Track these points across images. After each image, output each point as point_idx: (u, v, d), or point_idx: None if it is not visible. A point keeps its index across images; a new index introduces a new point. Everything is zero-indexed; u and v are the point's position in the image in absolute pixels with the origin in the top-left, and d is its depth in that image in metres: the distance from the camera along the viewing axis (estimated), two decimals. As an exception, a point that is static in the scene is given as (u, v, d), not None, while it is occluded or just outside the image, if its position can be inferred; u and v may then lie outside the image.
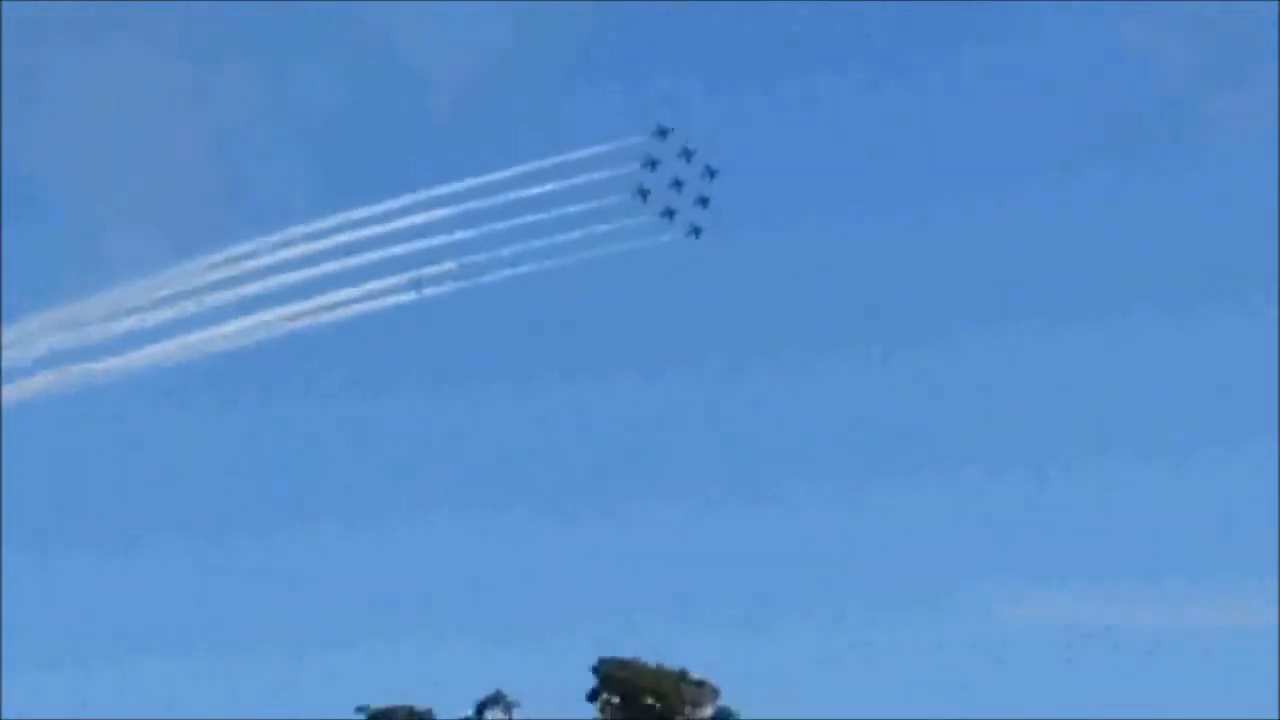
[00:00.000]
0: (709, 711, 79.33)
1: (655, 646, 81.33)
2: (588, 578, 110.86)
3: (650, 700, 78.80)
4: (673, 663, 79.87)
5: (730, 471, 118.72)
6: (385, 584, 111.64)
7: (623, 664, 79.25)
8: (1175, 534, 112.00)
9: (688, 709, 79.28)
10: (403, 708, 79.99)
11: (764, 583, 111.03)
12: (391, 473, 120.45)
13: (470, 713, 78.99)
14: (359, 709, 79.99)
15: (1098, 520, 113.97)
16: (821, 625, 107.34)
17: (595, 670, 79.40)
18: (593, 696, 79.70)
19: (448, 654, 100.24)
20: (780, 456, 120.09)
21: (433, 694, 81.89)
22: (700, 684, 79.13)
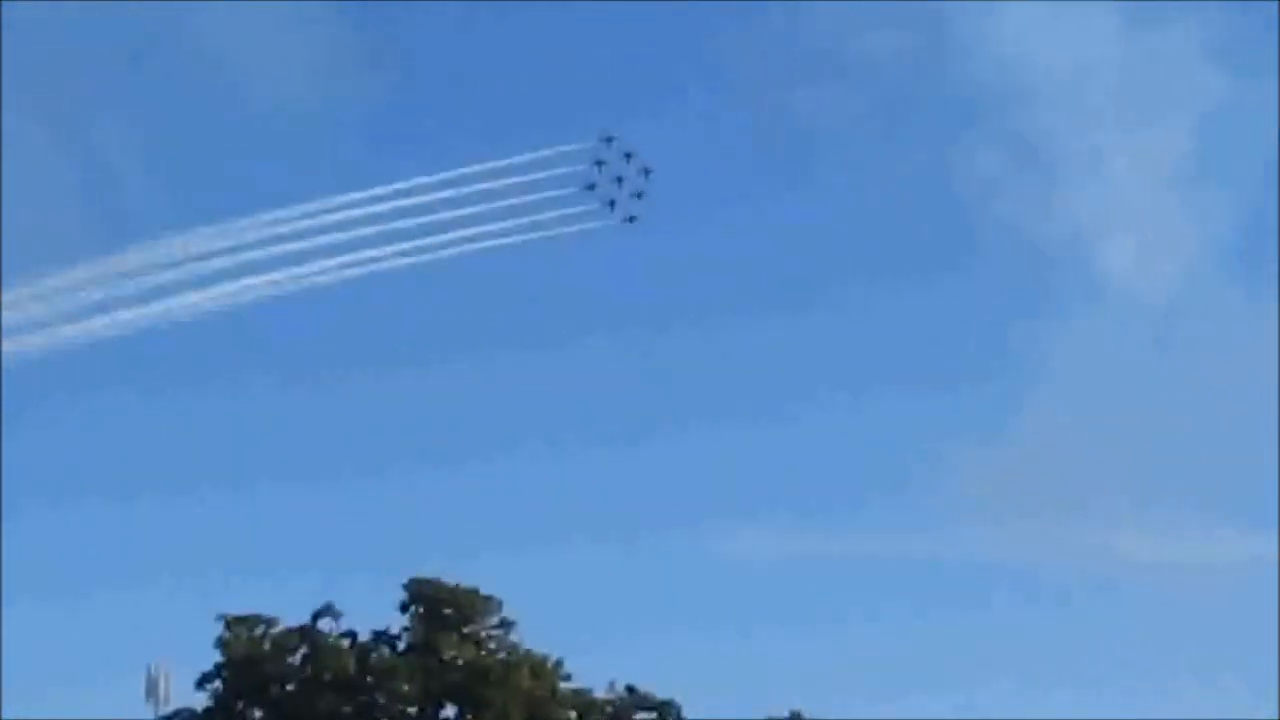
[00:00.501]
0: (494, 620, 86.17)
1: (457, 568, 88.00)
2: (403, 511, 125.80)
3: (449, 611, 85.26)
4: (468, 581, 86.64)
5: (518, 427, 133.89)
6: (237, 513, 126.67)
7: (428, 582, 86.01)
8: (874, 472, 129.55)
9: (478, 618, 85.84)
10: (253, 616, 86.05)
11: (544, 519, 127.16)
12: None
13: (307, 620, 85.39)
14: (219, 616, 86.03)
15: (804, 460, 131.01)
16: (581, 558, 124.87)
17: (406, 587, 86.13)
18: (404, 608, 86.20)
19: (287, 575, 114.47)
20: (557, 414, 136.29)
21: (277, 606, 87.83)
22: (488, 598, 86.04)
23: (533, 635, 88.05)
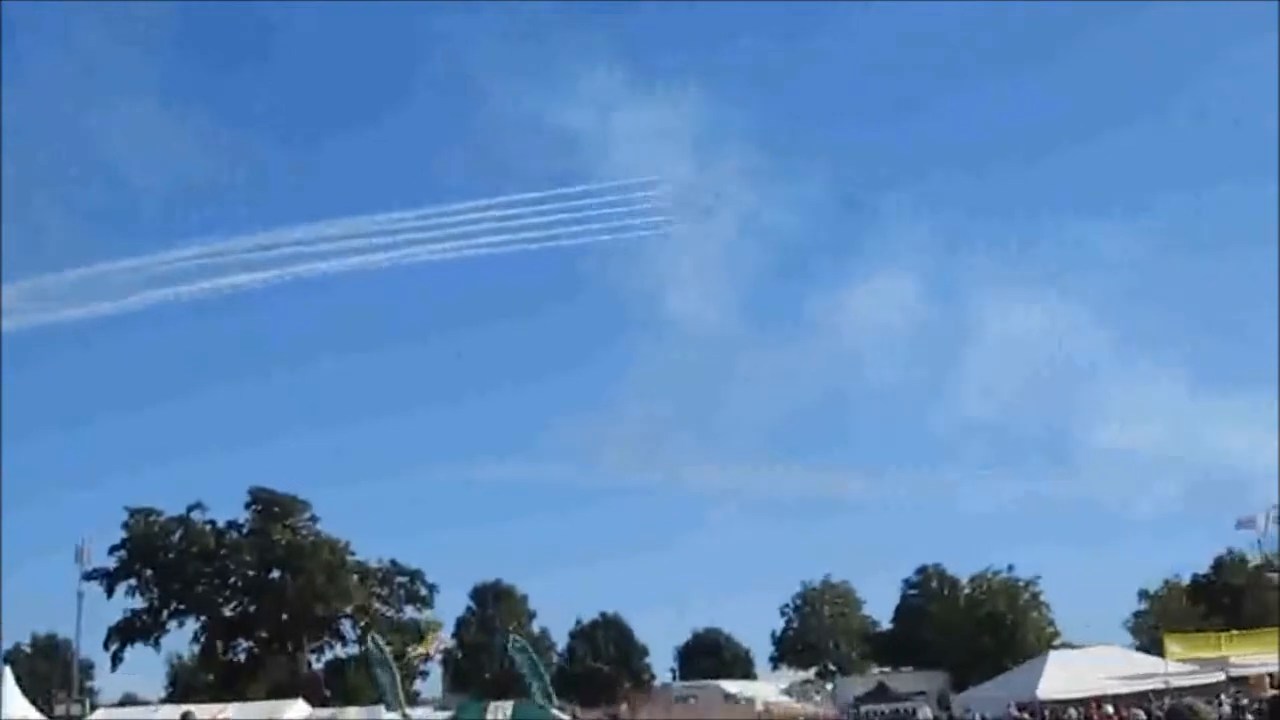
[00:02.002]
0: (306, 515, 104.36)
1: (285, 483, 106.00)
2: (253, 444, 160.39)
3: (277, 509, 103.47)
4: (292, 491, 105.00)
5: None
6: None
7: (264, 490, 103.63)
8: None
9: (295, 514, 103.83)
10: (148, 508, 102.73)
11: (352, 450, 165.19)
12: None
13: (184, 512, 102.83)
14: (125, 508, 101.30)
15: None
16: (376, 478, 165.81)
17: (250, 493, 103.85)
18: (248, 506, 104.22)
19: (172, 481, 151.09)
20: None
21: (164, 503, 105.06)
22: (303, 501, 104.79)
23: (332, 526, 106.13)
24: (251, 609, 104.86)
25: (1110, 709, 59.00)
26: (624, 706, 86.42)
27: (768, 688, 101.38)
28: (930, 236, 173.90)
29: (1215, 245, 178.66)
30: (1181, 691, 59.56)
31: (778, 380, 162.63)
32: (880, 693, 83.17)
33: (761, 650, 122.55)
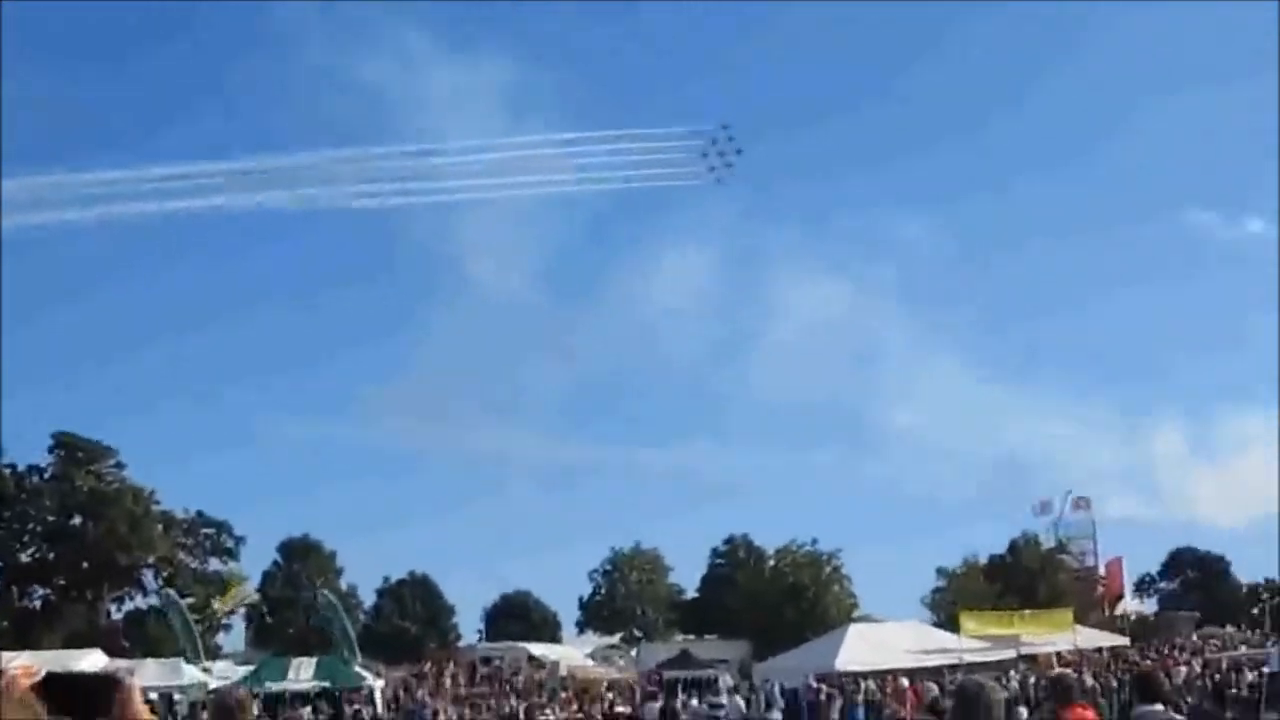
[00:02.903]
0: (112, 462, 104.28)
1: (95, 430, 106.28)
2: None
3: (81, 454, 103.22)
4: (100, 438, 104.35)
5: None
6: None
7: (68, 434, 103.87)
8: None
9: (100, 460, 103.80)
10: None
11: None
12: None
13: None
14: None
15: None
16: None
17: (52, 436, 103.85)
18: (50, 450, 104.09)
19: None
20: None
21: None
22: (108, 447, 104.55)
23: (139, 475, 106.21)
24: (50, 556, 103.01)
25: (905, 681, 60.66)
26: (428, 665, 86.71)
27: (572, 651, 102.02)
28: (736, 210, 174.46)
29: (1015, 231, 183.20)
30: (974, 667, 61.46)
31: (579, 349, 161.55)
32: (683, 659, 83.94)
33: (569, 615, 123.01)
